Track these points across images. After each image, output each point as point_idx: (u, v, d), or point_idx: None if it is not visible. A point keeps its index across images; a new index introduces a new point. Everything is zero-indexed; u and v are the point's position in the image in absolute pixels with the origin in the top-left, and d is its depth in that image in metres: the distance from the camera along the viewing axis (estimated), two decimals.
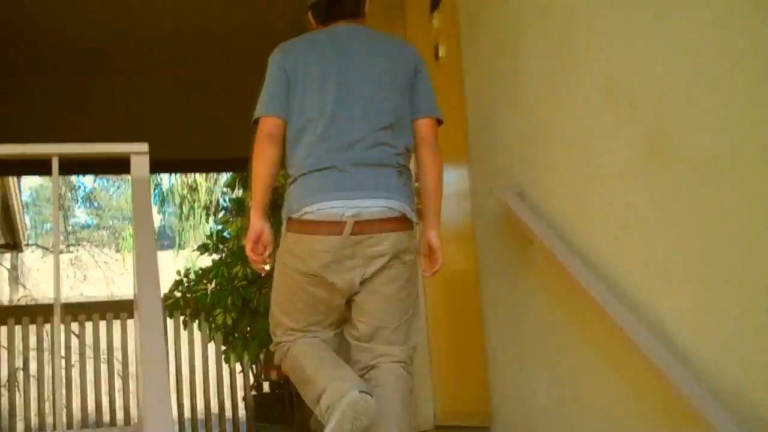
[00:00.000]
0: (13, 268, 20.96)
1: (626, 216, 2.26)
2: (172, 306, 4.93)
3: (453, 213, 3.79)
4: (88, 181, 21.05)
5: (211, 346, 5.69)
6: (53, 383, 5.82)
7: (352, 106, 2.54)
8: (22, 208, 12.44)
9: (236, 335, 4.80)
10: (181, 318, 5.29)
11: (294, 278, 2.51)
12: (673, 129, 2.09)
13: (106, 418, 5.86)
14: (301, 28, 2.82)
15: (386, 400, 2.42)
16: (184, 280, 5.00)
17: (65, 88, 6.95)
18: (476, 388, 3.28)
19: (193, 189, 16.03)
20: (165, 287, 5.00)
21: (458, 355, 3.73)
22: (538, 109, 2.75)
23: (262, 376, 5.16)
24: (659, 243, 2.14)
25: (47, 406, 5.92)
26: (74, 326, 5.96)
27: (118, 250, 19.68)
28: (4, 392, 6.07)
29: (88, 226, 21.68)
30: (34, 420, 5.95)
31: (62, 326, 5.83)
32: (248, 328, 4.77)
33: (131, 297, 5.64)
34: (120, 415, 6.00)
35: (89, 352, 6.02)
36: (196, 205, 15.91)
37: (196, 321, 5.32)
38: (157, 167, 10.04)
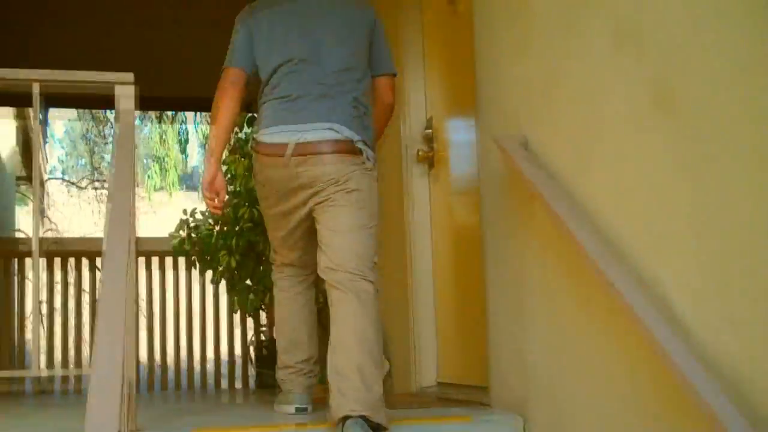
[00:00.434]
0: (38, 200, 21.08)
1: (629, 172, 2.13)
2: (176, 245, 4.84)
3: (461, 165, 3.66)
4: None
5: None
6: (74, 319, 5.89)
7: (315, 54, 2.87)
8: (44, 141, 12.45)
9: (240, 278, 4.70)
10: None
11: (265, 195, 2.94)
12: (679, 78, 1.94)
13: None
14: None
15: (340, 318, 2.66)
16: (190, 219, 4.91)
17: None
18: (479, 346, 3.18)
19: None
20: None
21: (463, 312, 3.64)
22: (545, 57, 2.59)
23: (266, 324, 5.08)
24: (662, 202, 2.00)
25: (70, 341, 5.98)
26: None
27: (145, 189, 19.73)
28: (29, 325, 6.12)
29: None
30: (57, 355, 5.97)
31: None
32: (253, 272, 4.67)
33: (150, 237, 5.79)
34: (143, 358, 6.00)
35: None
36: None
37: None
38: (154, 104, 10.09)
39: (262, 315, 5.04)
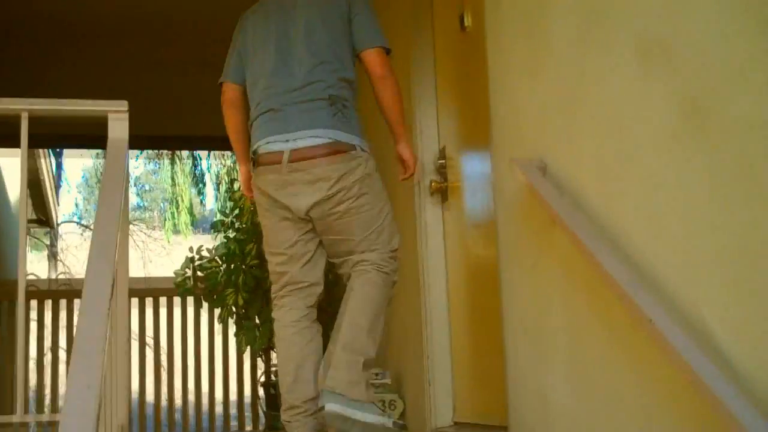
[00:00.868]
0: (52, 245, 21.10)
1: (661, 194, 1.94)
2: (181, 285, 4.67)
3: (476, 195, 3.50)
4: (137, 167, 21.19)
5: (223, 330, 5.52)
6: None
7: (289, 56, 2.97)
8: (55, 184, 12.36)
9: (248, 318, 4.53)
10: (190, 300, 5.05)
11: (259, 202, 3.02)
12: (715, 92, 1.76)
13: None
14: None
15: (350, 299, 2.89)
16: (196, 257, 4.75)
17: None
18: (496, 383, 2.98)
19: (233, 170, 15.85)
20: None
21: (479, 348, 3.45)
22: (563, 75, 2.42)
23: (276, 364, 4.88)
24: (700, 228, 1.82)
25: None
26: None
27: (161, 230, 19.69)
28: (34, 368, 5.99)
29: (138, 208, 21.84)
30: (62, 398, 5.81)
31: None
32: (261, 311, 4.50)
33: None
34: (150, 398, 5.87)
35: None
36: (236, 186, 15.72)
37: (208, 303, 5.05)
38: (158, 144, 10.05)
39: (273, 354, 4.86)
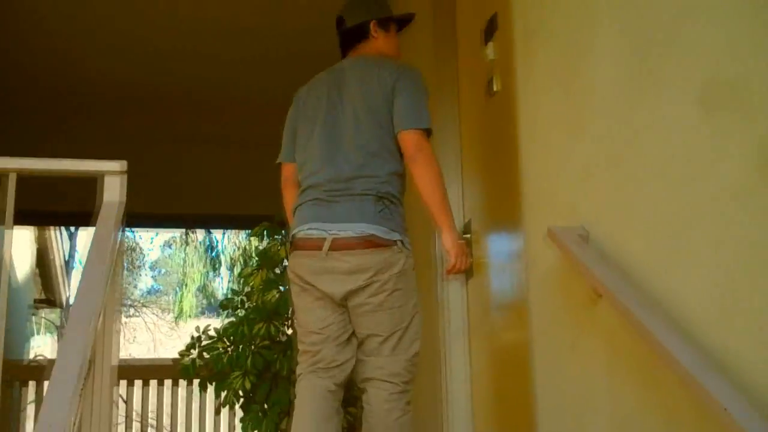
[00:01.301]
0: (62, 326, 20.84)
1: (732, 261, 1.66)
2: (185, 366, 4.37)
3: (504, 273, 3.23)
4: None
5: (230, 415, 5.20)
6: None
7: (338, 145, 2.88)
8: (64, 264, 12.12)
9: (255, 402, 4.21)
10: (196, 382, 4.73)
11: (293, 283, 2.91)
12: None
13: None
14: None
15: (371, 420, 2.79)
16: (202, 337, 4.46)
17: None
18: None
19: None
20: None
21: None
22: (610, 130, 2.17)
23: None
24: None
25: None
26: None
27: (172, 315, 19.47)
28: None
29: (154, 291, 21.72)
30: None
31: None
32: (269, 394, 4.19)
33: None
34: None
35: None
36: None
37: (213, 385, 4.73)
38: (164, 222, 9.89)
39: None
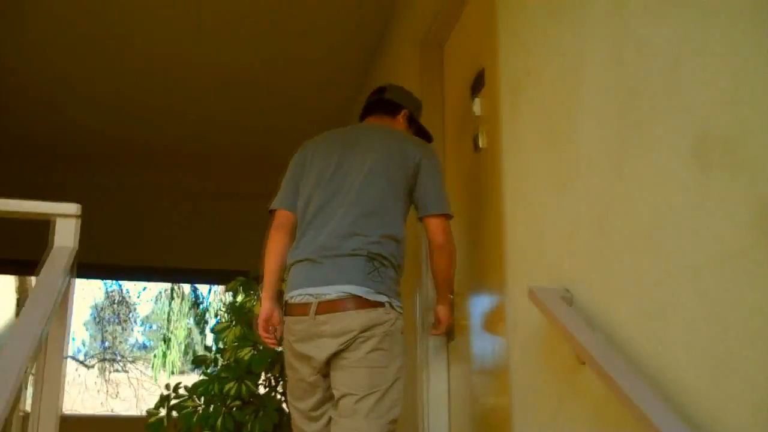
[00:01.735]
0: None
1: (727, 329, 1.51)
2: (153, 427, 4.17)
3: (487, 336, 3.07)
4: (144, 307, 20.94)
5: None
6: None
7: (337, 200, 2.87)
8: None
9: None
10: None
11: (286, 352, 2.90)
12: None
13: None
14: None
15: None
16: (172, 395, 4.26)
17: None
18: None
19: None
20: None
21: None
22: (596, 186, 2.04)
23: None
24: None
25: None
26: None
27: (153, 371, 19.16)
28: None
29: (143, 347, 21.46)
30: None
31: None
32: None
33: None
34: None
35: None
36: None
37: None
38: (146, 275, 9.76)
39: None
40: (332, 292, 2.72)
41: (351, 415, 2.65)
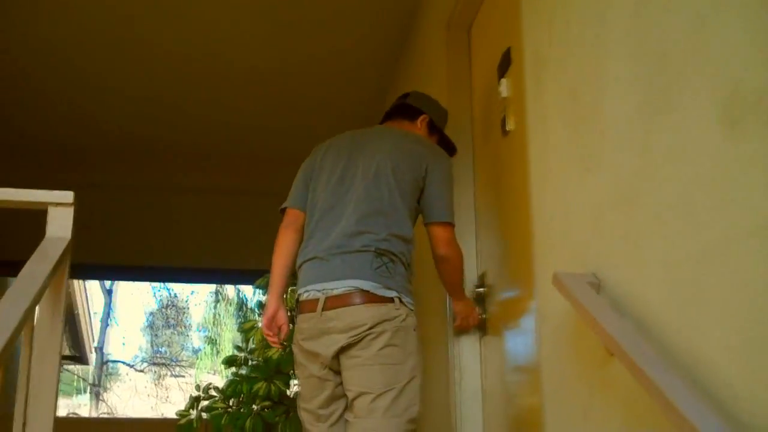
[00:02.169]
0: (95, 384, 20.75)
1: (766, 310, 1.34)
2: (183, 428, 4.08)
3: (522, 331, 2.91)
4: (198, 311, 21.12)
5: None
6: None
7: (346, 200, 2.87)
8: (90, 318, 11.91)
9: None
10: None
11: (295, 351, 2.87)
12: None
13: None
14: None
15: None
16: (202, 396, 4.18)
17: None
18: None
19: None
20: None
21: None
22: (622, 163, 1.87)
23: None
24: None
25: None
26: None
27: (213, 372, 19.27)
28: None
29: (196, 351, 21.68)
30: None
31: None
32: None
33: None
34: None
35: None
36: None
37: None
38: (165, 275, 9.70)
39: None
40: (339, 286, 2.70)
41: (367, 415, 2.58)
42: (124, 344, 20.94)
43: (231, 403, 4.08)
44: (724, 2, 1.48)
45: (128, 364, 22.24)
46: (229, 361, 4.31)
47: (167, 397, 20.51)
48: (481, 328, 3.33)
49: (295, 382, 4.10)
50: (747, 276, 1.37)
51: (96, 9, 4.83)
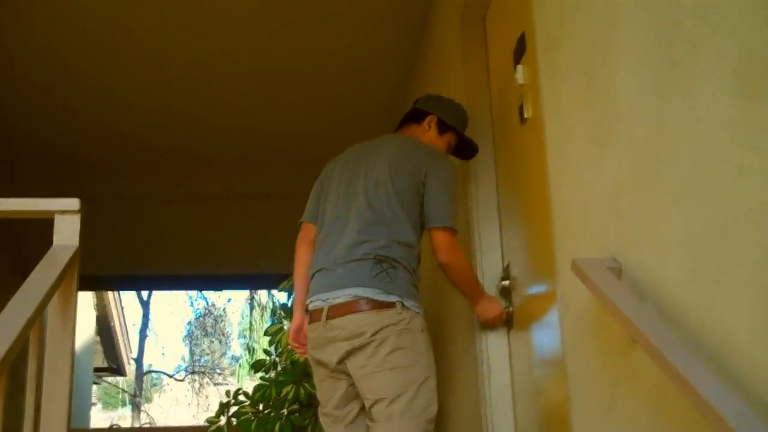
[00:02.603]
0: (135, 396, 20.88)
1: None
2: None
3: (548, 323, 2.83)
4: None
5: None
6: None
7: (349, 211, 2.94)
8: (126, 330, 11.97)
9: None
10: None
11: (309, 358, 2.96)
12: None
13: None
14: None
15: None
16: (232, 401, 4.14)
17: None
18: None
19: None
20: None
21: None
22: (637, 138, 1.79)
23: None
24: None
25: None
26: None
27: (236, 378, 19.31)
28: None
29: (235, 359, 21.78)
30: None
31: None
32: None
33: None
34: None
35: None
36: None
37: None
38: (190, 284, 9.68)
39: None
40: (341, 295, 2.78)
41: (385, 420, 2.64)
42: (163, 354, 21.05)
43: (260, 408, 4.04)
44: None
45: (169, 375, 22.39)
46: (257, 366, 4.27)
47: (208, 405, 20.60)
48: (508, 321, 3.25)
49: None
50: None
51: (100, 13, 4.77)
